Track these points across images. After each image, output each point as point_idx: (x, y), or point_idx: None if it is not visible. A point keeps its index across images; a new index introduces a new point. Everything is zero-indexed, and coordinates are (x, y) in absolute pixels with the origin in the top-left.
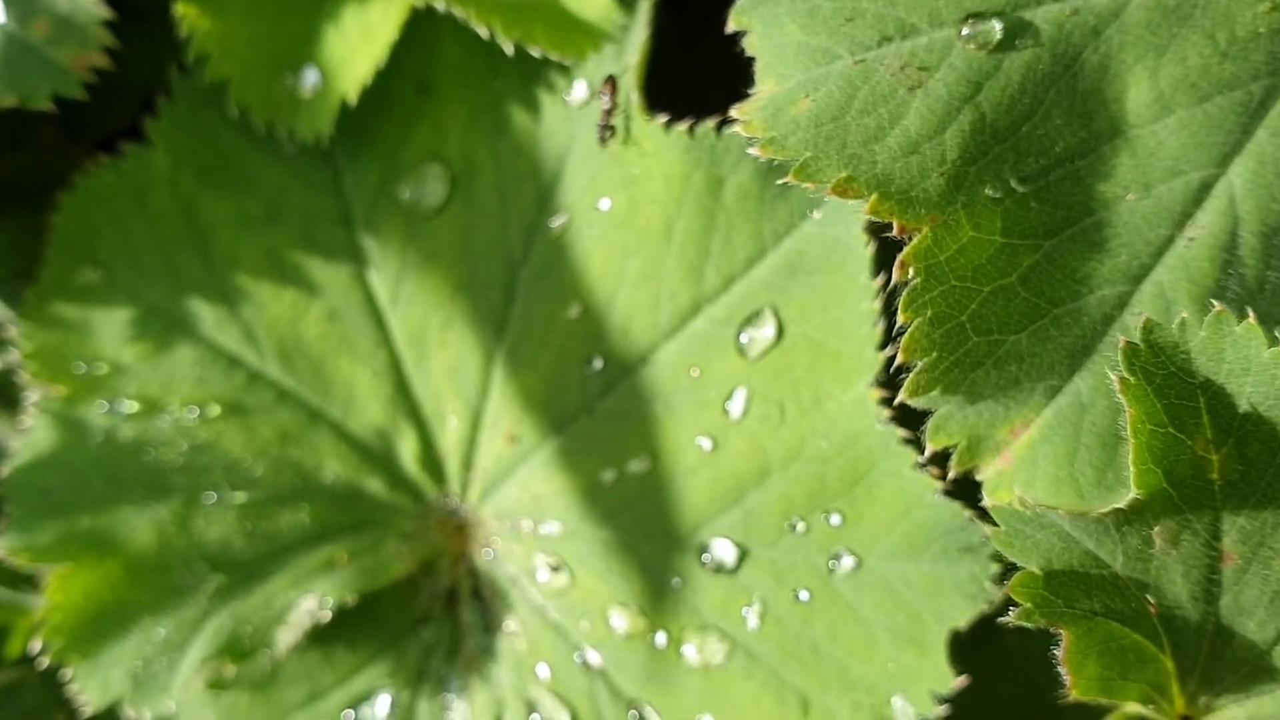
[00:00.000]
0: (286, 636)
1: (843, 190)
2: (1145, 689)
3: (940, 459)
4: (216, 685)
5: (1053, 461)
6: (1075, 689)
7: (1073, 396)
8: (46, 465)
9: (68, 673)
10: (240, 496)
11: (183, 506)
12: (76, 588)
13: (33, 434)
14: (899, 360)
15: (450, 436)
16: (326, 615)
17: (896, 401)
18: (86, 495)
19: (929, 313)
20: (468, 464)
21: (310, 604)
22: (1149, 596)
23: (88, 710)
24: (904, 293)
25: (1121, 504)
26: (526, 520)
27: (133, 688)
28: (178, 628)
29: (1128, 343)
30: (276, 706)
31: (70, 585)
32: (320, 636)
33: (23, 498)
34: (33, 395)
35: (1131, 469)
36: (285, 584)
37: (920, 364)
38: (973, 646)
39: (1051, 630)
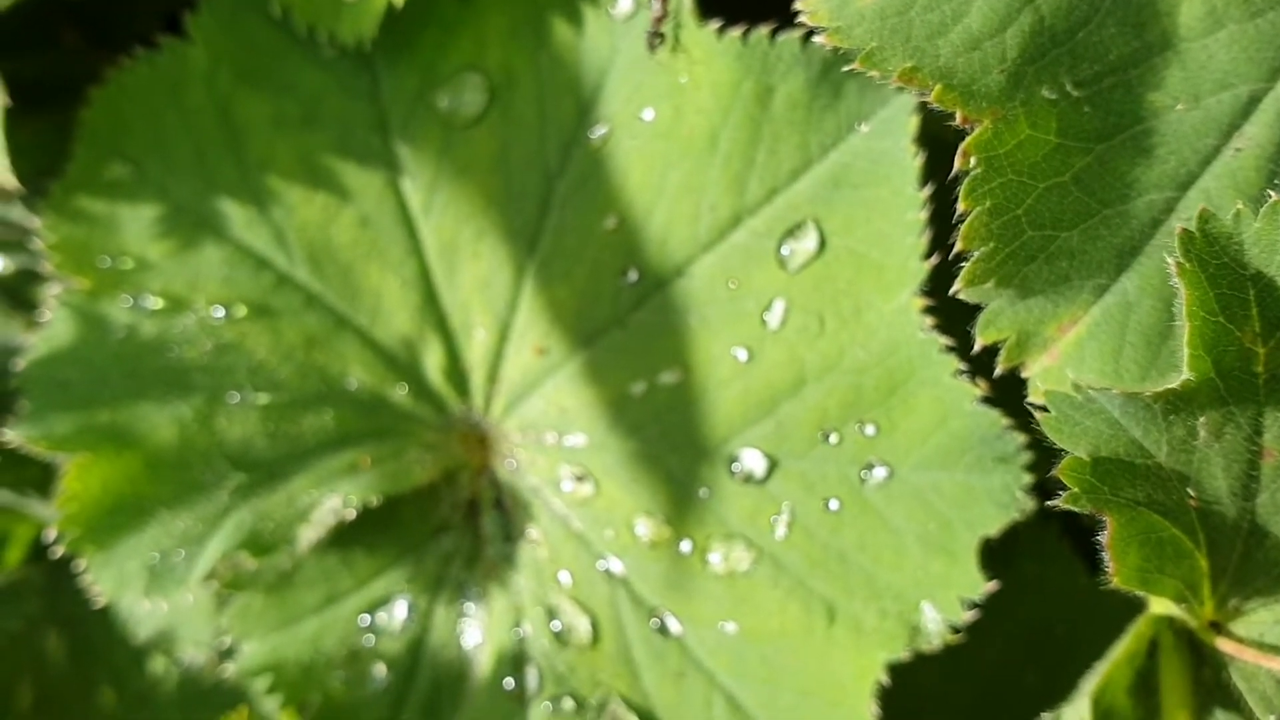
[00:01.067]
0: (309, 534)
1: (908, 79)
2: (1179, 586)
3: (982, 365)
4: (232, 585)
5: (1098, 358)
6: (1117, 576)
7: (1119, 295)
8: (65, 358)
9: (81, 564)
10: (264, 398)
11: (205, 405)
12: (94, 479)
13: (52, 327)
14: (958, 248)
15: (476, 349)
16: (350, 514)
17: (951, 292)
18: (106, 390)
19: (988, 203)
20: (493, 377)
21: (334, 503)
22: (1189, 489)
23: (101, 601)
24: (965, 181)
25: (1174, 384)
26: (551, 433)
27: (149, 579)
28: (197, 522)
29: (1184, 230)
30: (292, 609)
31: (88, 476)
32: (339, 541)
33: (40, 390)
34: (53, 288)
35: (1185, 351)
36: (308, 484)
37: (977, 253)
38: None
39: (1069, 558)
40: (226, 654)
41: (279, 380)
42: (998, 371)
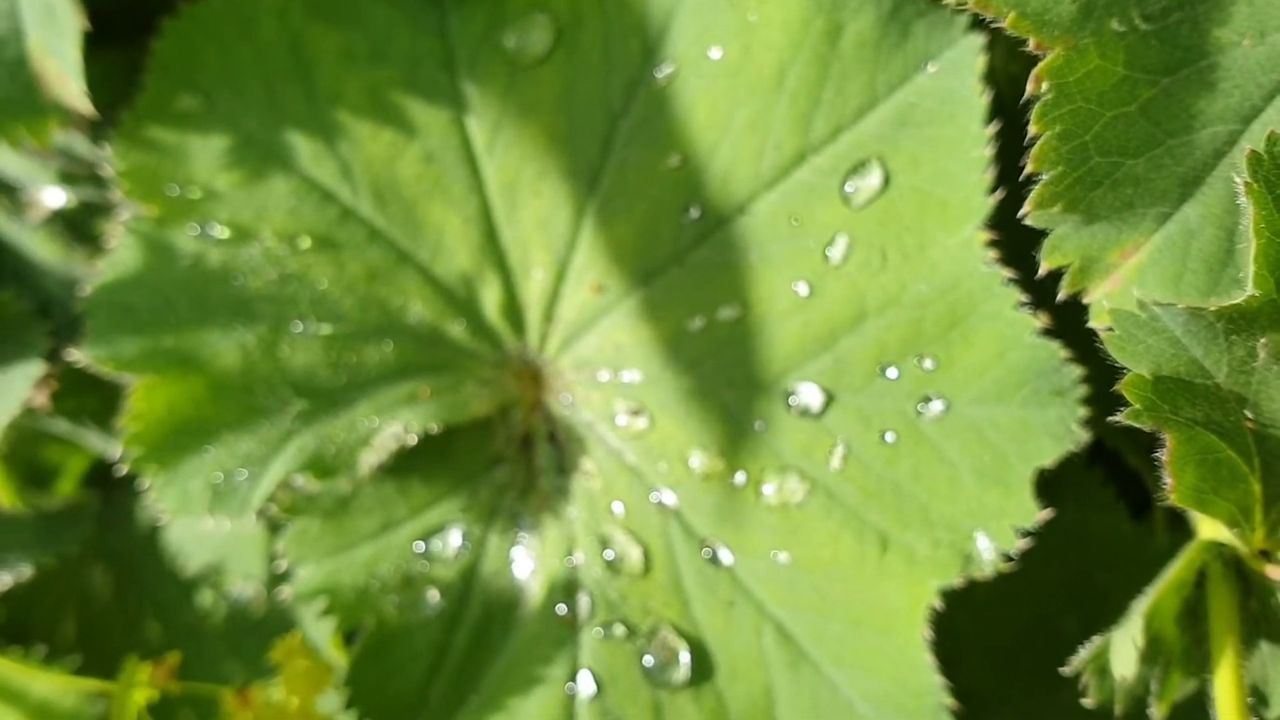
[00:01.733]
0: (370, 458)
1: (983, 6)
2: (1232, 510)
3: (1042, 299)
4: (291, 511)
5: (1159, 285)
6: (1175, 494)
7: (1181, 224)
8: (131, 284)
9: (145, 482)
10: (326, 328)
11: (269, 333)
12: (159, 399)
13: (118, 254)
14: (1028, 170)
15: (534, 287)
16: (411, 439)
17: (1020, 215)
18: (171, 315)
19: (1058, 128)
20: (549, 315)
21: (395, 428)
22: (1247, 412)
23: (165, 519)
24: (1036, 105)
25: (1239, 299)
26: (605, 370)
27: (212, 498)
28: (260, 444)
29: (1252, 151)
30: (348, 534)
31: (153, 396)
32: (396, 471)
33: (105, 314)
34: (121, 215)
35: (1250, 269)
36: (369, 412)
37: (1046, 176)
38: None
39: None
40: (281, 578)
41: (341, 311)
42: (1061, 296)
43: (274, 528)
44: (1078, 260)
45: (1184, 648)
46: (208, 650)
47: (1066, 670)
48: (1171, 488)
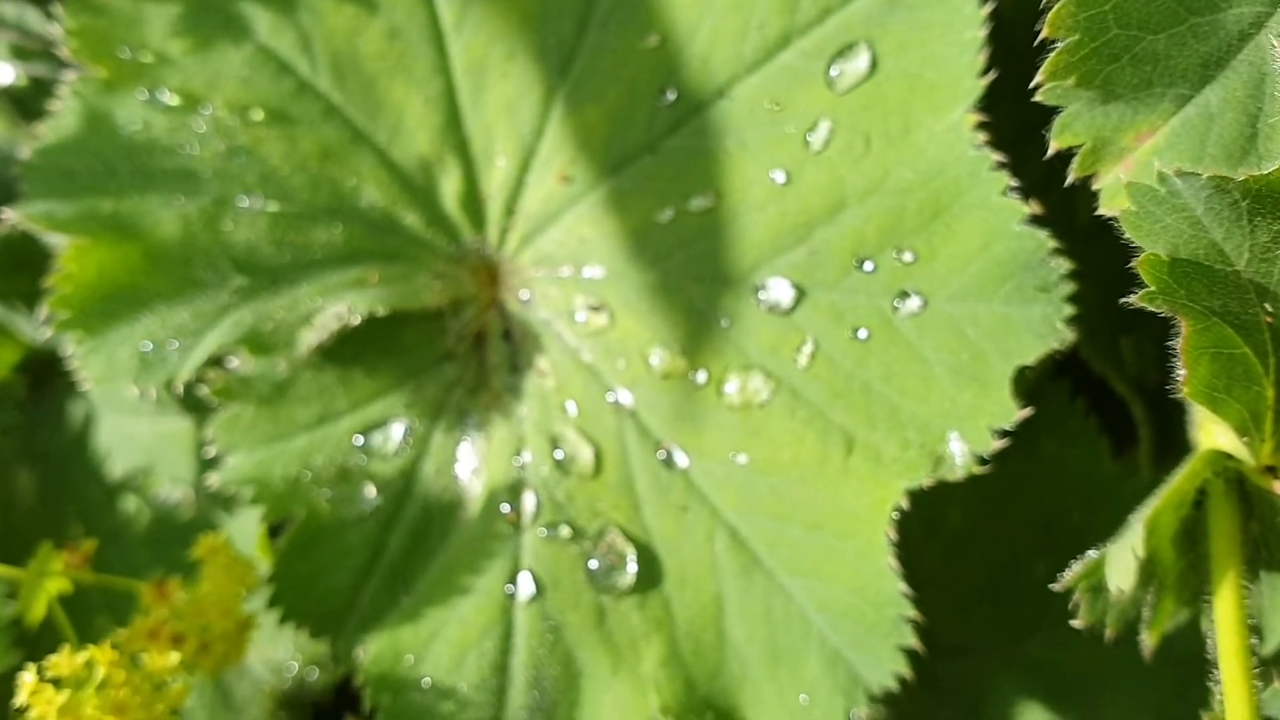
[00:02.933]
0: (311, 337)
1: None
2: (1243, 414)
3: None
4: (223, 394)
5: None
6: (1187, 387)
7: (1201, 107)
8: (72, 147)
9: (70, 347)
10: (273, 205)
11: (212, 206)
12: (92, 263)
13: (62, 117)
14: (1043, 34)
15: (496, 178)
16: (355, 320)
17: (1032, 85)
18: (112, 181)
19: None
20: (510, 208)
21: (339, 308)
22: (1267, 305)
23: (87, 386)
24: None
25: (1268, 171)
26: (567, 266)
27: (140, 367)
28: (195, 316)
29: None
30: (283, 423)
31: (86, 259)
32: (338, 360)
33: (43, 176)
34: (67, 77)
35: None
36: (312, 292)
37: (1062, 44)
38: (1006, 456)
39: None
40: (210, 464)
41: (290, 189)
42: (1069, 180)
43: (209, 409)
44: (1089, 141)
45: (1179, 571)
46: (131, 555)
47: (1056, 586)
48: (1185, 379)
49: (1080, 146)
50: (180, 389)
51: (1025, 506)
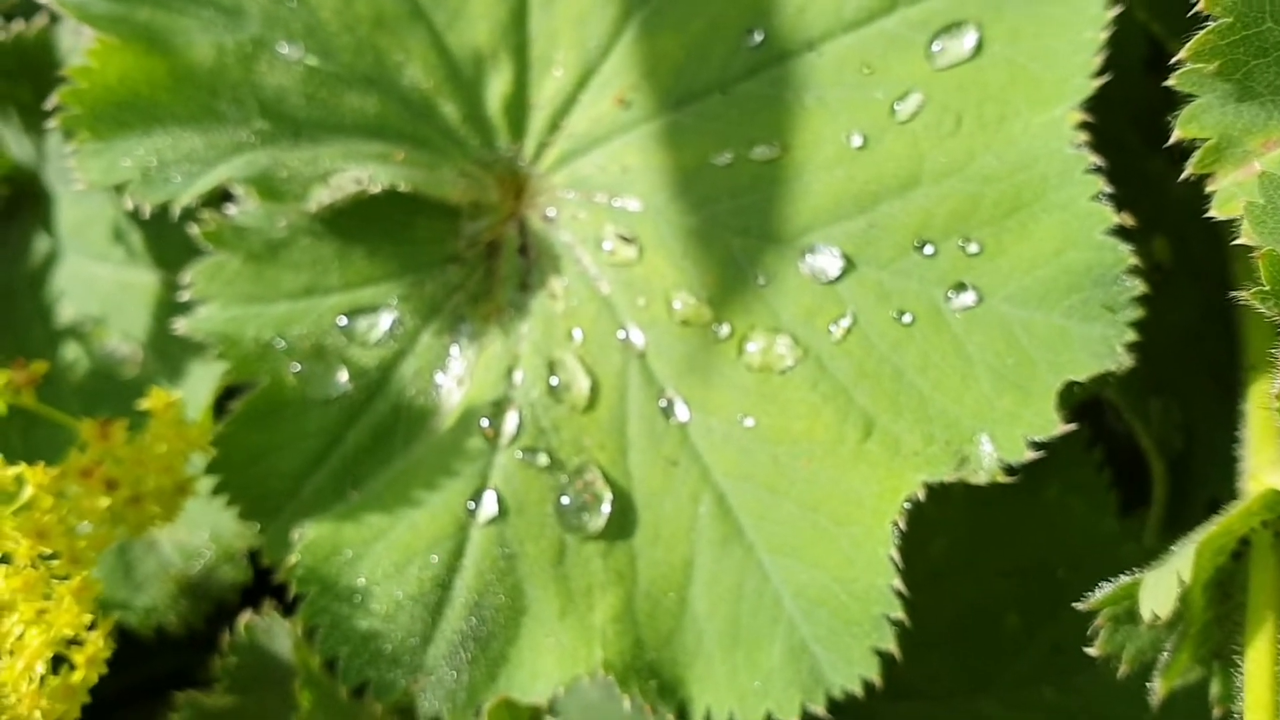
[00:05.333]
0: (324, 195)
1: None
2: None
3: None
4: (213, 239)
5: None
6: (1279, 400)
7: None
8: None
9: (72, 145)
10: (313, 59)
11: (251, 44)
12: (114, 66)
13: None
14: (1200, 7)
15: (549, 88)
16: (374, 189)
17: (1172, 61)
18: None
19: None
20: (555, 123)
21: (359, 173)
22: None
23: (79, 186)
24: None
25: None
26: (602, 193)
27: (140, 181)
28: (209, 146)
29: None
30: (268, 284)
31: (109, 61)
32: (341, 231)
33: None
34: None
35: None
36: (334, 154)
37: (1214, 24)
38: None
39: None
40: (181, 309)
41: (333, 48)
42: (1185, 174)
43: (172, 287)
44: (1215, 137)
45: (1204, 623)
46: (62, 403)
47: (1081, 606)
48: (1279, 394)
49: (1205, 141)
50: (177, 214)
51: (1012, 551)
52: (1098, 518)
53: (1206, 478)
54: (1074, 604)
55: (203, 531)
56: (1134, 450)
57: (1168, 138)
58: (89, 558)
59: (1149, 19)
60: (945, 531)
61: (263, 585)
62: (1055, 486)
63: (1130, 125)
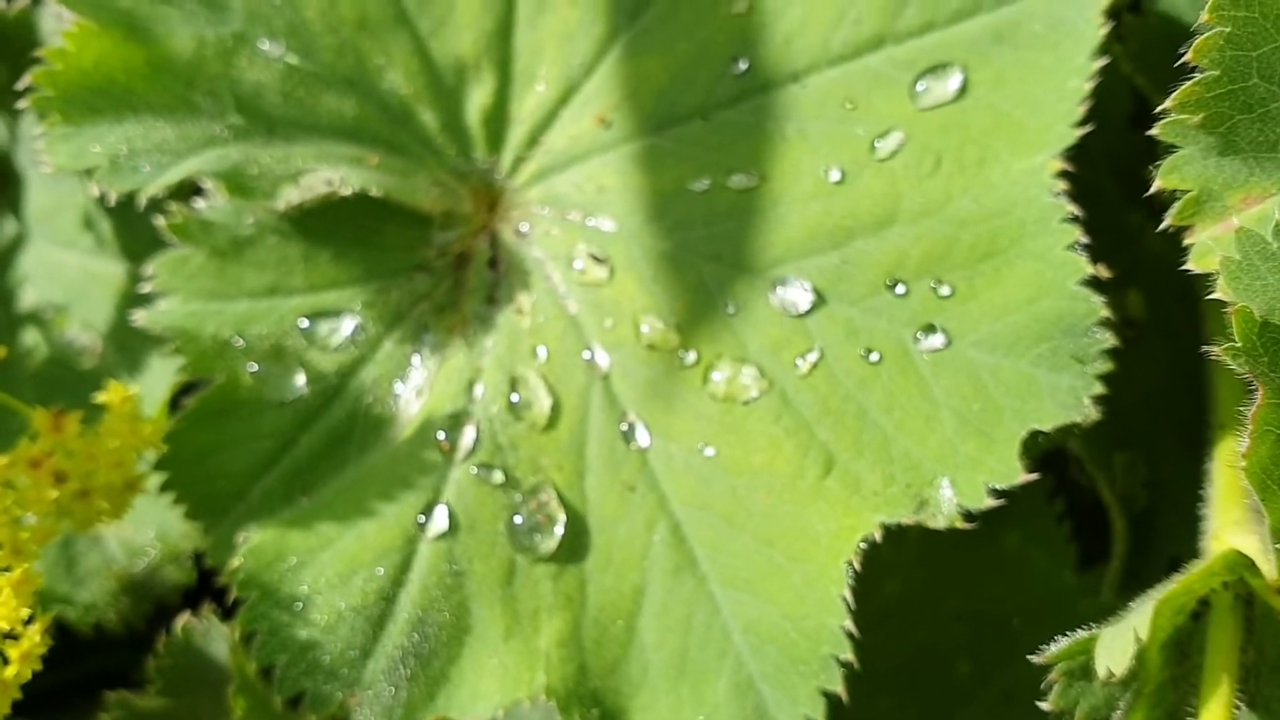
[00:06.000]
0: (294, 194)
1: None
2: None
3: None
4: (179, 231)
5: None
6: (1245, 461)
7: None
8: None
9: (41, 129)
10: (293, 58)
11: (232, 39)
12: (91, 50)
13: None
14: (1187, 57)
15: (530, 102)
16: (345, 191)
17: (1158, 109)
18: None
19: (1228, 29)
20: (534, 139)
21: (330, 174)
22: None
23: (46, 169)
24: None
25: None
26: (577, 211)
27: (108, 168)
28: (180, 138)
29: None
30: (231, 282)
31: (85, 45)
32: (308, 233)
33: None
34: None
35: None
36: (307, 154)
37: (1200, 76)
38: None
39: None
40: (143, 299)
41: (315, 48)
42: (1164, 225)
43: (138, 280)
44: (1196, 190)
45: (1159, 683)
46: (16, 390)
47: (1037, 659)
48: (1245, 453)
49: (1185, 193)
50: (143, 203)
51: (967, 597)
52: (1057, 570)
53: (1169, 535)
54: (1028, 655)
55: (149, 530)
56: (1096, 504)
57: (1147, 191)
58: (31, 550)
59: (1134, 71)
60: (900, 573)
61: (206, 588)
62: (1015, 536)
63: (1111, 177)
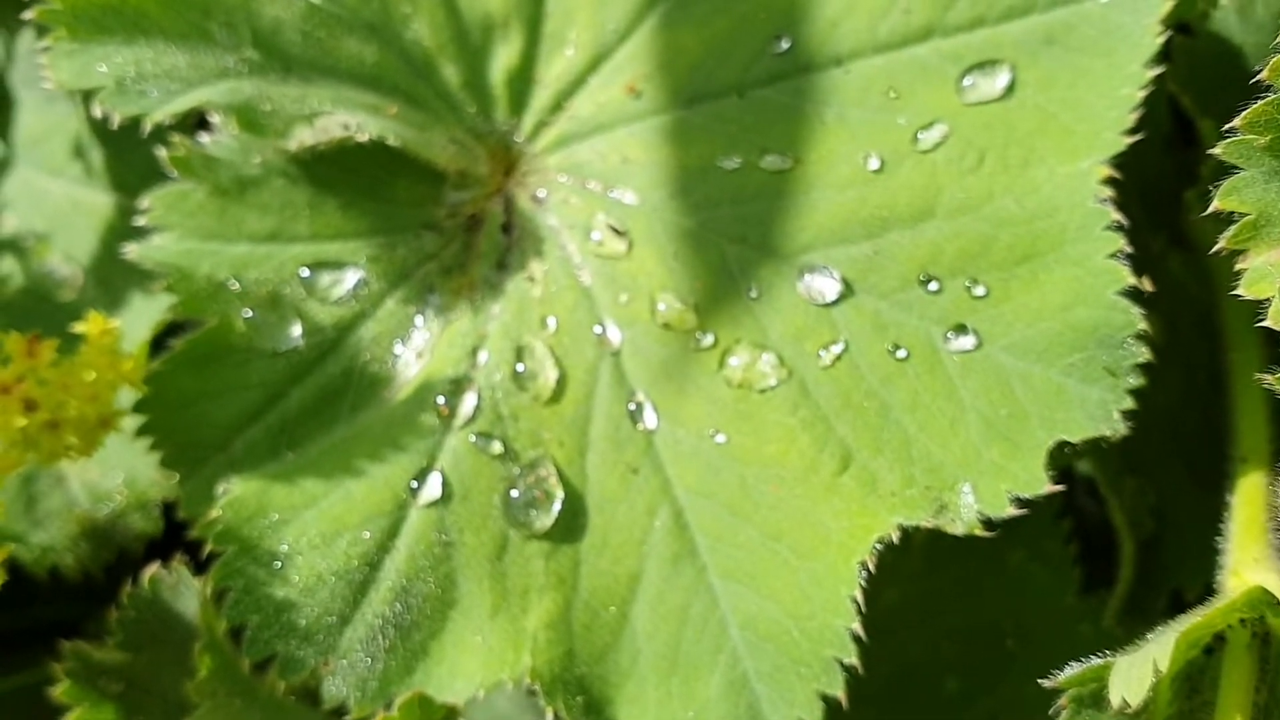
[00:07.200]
0: (308, 135)
1: None
2: None
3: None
4: (181, 166)
5: None
6: None
7: None
8: None
9: (46, 41)
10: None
11: None
12: None
13: None
14: (1261, 75)
15: (557, 66)
16: (362, 136)
17: (1224, 128)
18: None
19: None
20: (559, 104)
21: (348, 119)
22: None
23: (48, 85)
24: None
25: None
26: (597, 181)
27: (114, 89)
28: (192, 67)
29: None
30: (231, 222)
31: None
32: (317, 179)
33: None
34: None
35: None
36: (324, 97)
37: (1272, 95)
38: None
39: None
40: (136, 233)
41: None
42: (1217, 247)
43: (127, 213)
44: (1255, 213)
45: (1168, 716)
46: None
47: (1047, 683)
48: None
49: (1243, 216)
50: (147, 129)
51: (964, 612)
52: (1059, 591)
53: (1175, 567)
54: (1019, 677)
55: (117, 474)
56: (1099, 528)
57: (1174, 217)
58: None
59: (1180, 91)
60: (900, 583)
61: (171, 542)
62: (1020, 553)
63: (1137, 200)
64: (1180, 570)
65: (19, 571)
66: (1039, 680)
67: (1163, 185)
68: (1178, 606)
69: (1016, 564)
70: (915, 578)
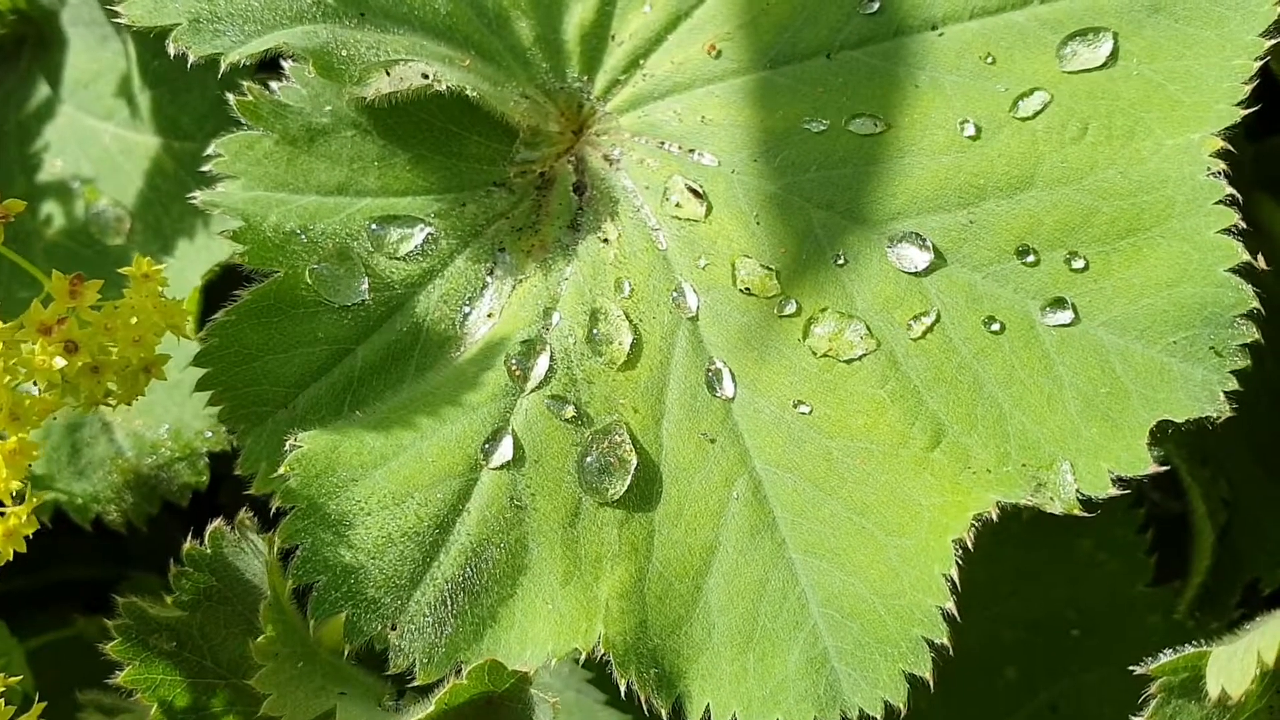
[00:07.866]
0: (384, 84)
1: None
2: None
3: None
4: (249, 112)
5: None
6: None
7: None
8: None
9: None
10: None
11: None
12: None
13: None
14: None
15: (634, 22)
16: (440, 85)
17: None
18: None
19: None
20: (636, 61)
21: (426, 67)
22: None
23: (122, 20)
24: None
25: None
26: (674, 143)
27: (189, 27)
28: (267, 9)
29: None
30: (300, 173)
31: None
32: (388, 131)
33: None
34: None
35: None
36: (399, 45)
37: None
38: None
39: None
40: (202, 179)
41: None
42: None
43: (177, 158)
44: None
45: (1255, 710)
46: (26, 253)
47: (1138, 669)
48: None
49: None
50: (224, 70)
51: (1027, 600)
52: (1129, 581)
53: (1250, 559)
54: (1081, 666)
55: (163, 425)
56: (1168, 519)
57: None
58: (31, 419)
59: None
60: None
61: (213, 500)
62: (1088, 541)
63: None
64: (1256, 562)
65: (55, 523)
66: (1120, 669)
67: (1245, 171)
68: (1252, 599)
69: (1086, 552)
70: (979, 561)
